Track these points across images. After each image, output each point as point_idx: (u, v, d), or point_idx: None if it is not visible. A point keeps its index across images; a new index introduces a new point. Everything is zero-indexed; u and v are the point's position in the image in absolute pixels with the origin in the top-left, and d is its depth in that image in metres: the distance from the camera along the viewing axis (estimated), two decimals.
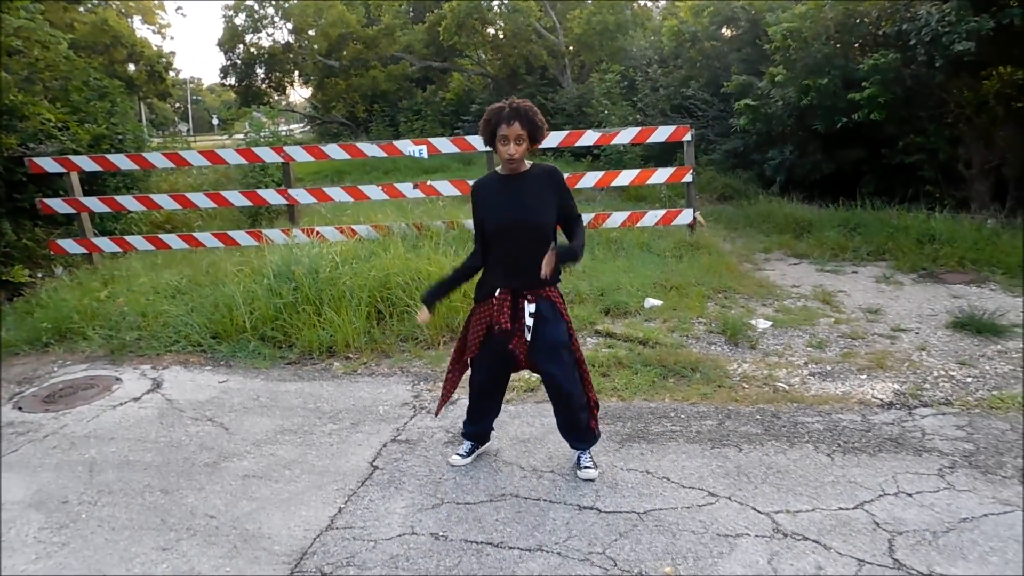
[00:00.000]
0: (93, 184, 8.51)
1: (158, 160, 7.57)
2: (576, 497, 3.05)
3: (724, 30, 13.39)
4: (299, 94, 32.31)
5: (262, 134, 11.20)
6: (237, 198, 7.57)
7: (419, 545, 2.77)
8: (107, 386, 4.61)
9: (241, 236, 7.25)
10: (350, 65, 25.04)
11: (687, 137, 7.20)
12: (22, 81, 8.41)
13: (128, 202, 7.47)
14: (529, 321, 2.96)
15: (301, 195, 7.54)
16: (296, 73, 29.00)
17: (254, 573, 2.67)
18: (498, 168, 3.07)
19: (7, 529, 3.02)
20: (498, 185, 3.00)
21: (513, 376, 4.31)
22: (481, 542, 2.77)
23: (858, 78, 8.34)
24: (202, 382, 4.62)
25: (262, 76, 28.94)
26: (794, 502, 2.93)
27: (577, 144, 7.35)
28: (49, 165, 7.15)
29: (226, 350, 5.05)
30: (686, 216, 7.26)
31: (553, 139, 7.08)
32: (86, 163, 7.27)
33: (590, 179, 7.29)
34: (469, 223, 6.96)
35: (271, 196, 7.69)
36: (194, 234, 7.43)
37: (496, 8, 19.93)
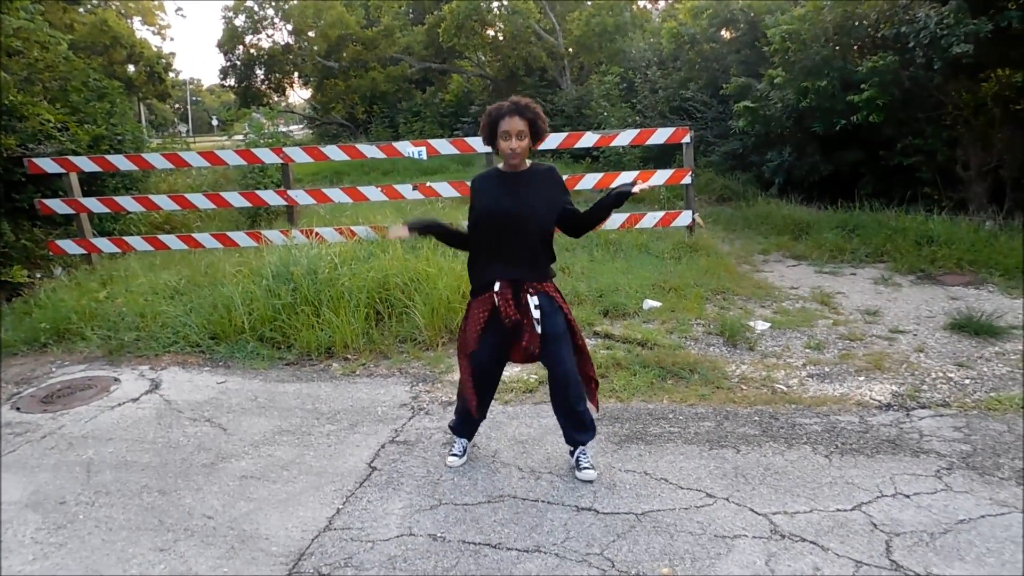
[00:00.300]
0: (92, 185, 8.51)
1: (157, 161, 7.57)
2: (574, 498, 3.05)
3: (723, 32, 13.42)
4: (298, 95, 32.36)
5: (261, 134, 11.21)
6: (236, 199, 7.57)
7: (417, 546, 2.77)
8: (105, 387, 4.60)
9: (240, 237, 7.25)
10: (349, 66, 25.05)
11: (686, 139, 7.21)
12: (21, 82, 8.41)
13: (127, 203, 7.47)
14: (536, 314, 2.97)
15: (300, 196, 7.54)
16: (295, 74, 29.01)
17: (252, 574, 2.67)
18: (499, 165, 3.07)
19: (4, 530, 3.02)
20: (499, 180, 3.02)
21: (511, 378, 4.33)
22: (479, 543, 2.77)
23: (856, 80, 8.35)
24: (200, 383, 4.61)
25: (261, 77, 28.96)
26: (792, 503, 2.94)
27: (576, 146, 7.36)
28: (48, 166, 7.15)
29: (224, 351, 5.05)
30: (685, 218, 7.27)
31: (552, 141, 7.08)
32: (85, 164, 7.28)
33: (589, 181, 7.29)
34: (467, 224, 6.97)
35: (270, 197, 7.69)
36: (193, 235, 7.43)
37: (495, 10, 19.96)
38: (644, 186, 3.05)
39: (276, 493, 3.22)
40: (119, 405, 4.31)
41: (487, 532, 2.84)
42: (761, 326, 5.16)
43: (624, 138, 7.46)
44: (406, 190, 7.32)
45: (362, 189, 7.42)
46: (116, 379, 4.73)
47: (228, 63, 28.33)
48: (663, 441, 3.53)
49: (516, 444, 3.57)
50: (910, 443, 3.41)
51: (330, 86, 26.35)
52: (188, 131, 48.65)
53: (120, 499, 3.23)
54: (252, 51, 28.04)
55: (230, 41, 27.52)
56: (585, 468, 3.19)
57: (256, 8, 27.38)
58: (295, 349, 5.00)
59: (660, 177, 7.29)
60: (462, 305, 5.13)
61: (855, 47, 9.13)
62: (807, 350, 4.72)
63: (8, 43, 7.66)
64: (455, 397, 4.08)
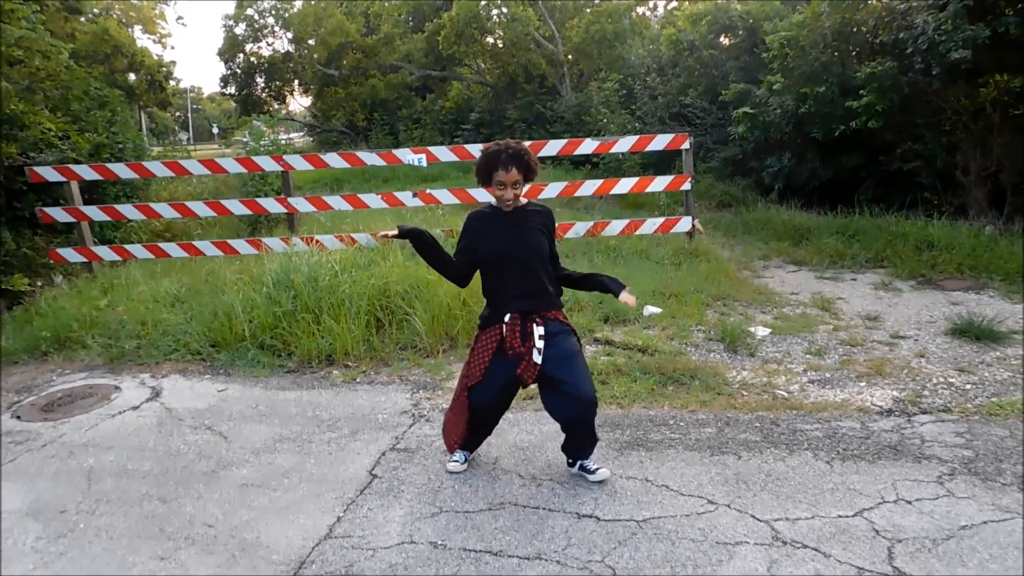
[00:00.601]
0: (93, 193, 8.53)
1: (158, 169, 7.58)
2: (575, 505, 3.05)
3: (722, 39, 13.48)
4: (299, 103, 32.43)
5: (262, 143, 11.24)
6: (236, 207, 7.58)
7: (418, 554, 2.76)
8: (106, 395, 4.60)
9: (240, 244, 7.26)
10: (349, 74, 25.13)
11: (685, 145, 7.22)
12: (23, 91, 8.44)
13: (128, 211, 7.49)
14: (539, 343, 3.01)
15: (300, 203, 7.55)
16: (296, 82, 29.07)
17: None
18: (493, 202, 3.14)
19: (5, 539, 3.01)
20: (496, 219, 3.10)
21: None
22: (480, 551, 2.76)
23: (855, 86, 8.38)
24: (201, 390, 4.61)
25: (262, 85, 29.02)
26: (793, 509, 2.93)
27: (576, 152, 7.37)
28: (49, 174, 7.17)
29: (225, 358, 5.05)
30: (685, 224, 7.27)
31: (552, 148, 7.10)
32: (86, 172, 7.29)
33: (589, 187, 7.30)
34: None
35: (270, 205, 7.70)
36: (193, 242, 7.44)
37: (495, 17, 20.02)
38: (630, 299, 3.10)
39: (277, 501, 3.22)
40: (120, 413, 4.31)
41: (488, 539, 2.83)
42: (762, 332, 5.16)
43: (624, 144, 7.47)
44: (406, 197, 7.33)
45: (362, 196, 7.43)
46: (117, 387, 4.73)
47: (228, 71, 28.40)
48: (664, 447, 3.53)
49: (517, 451, 3.57)
50: (912, 449, 3.41)
51: (330, 94, 26.42)
52: (189, 139, 48.76)
53: (121, 507, 3.23)
54: (252, 59, 28.11)
55: (231, 49, 27.60)
56: (598, 468, 3.23)
57: (256, 16, 27.46)
58: (296, 356, 5.00)
59: (660, 183, 7.30)
60: (463, 312, 5.14)
61: (854, 53, 9.17)
62: (808, 356, 4.72)
63: (10, 52, 7.70)
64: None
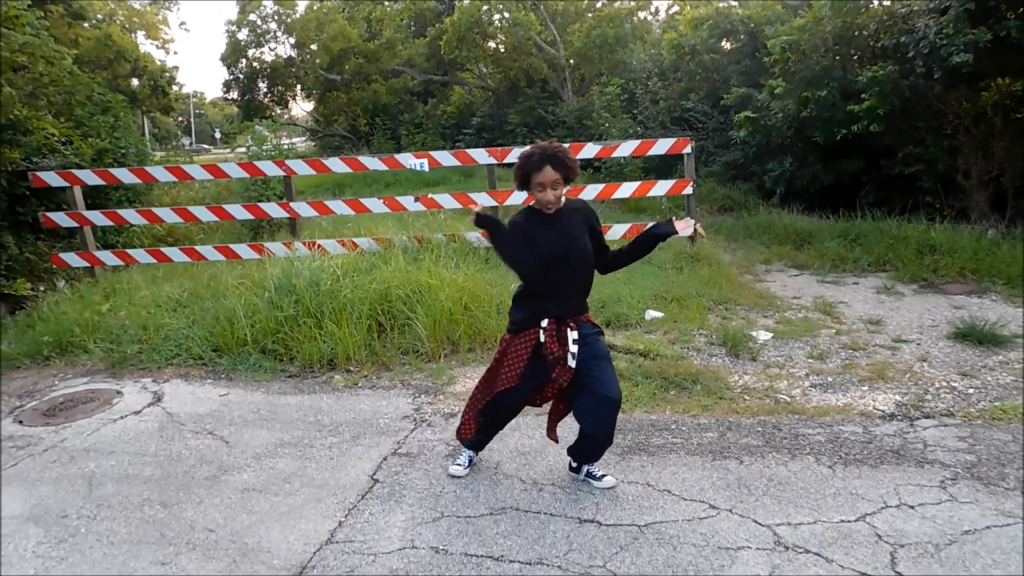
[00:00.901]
0: (96, 197, 8.56)
1: (160, 173, 7.60)
2: (576, 510, 3.04)
3: (723, 43, 13.48)
4: (301, 108, 32.55)
5: (264, 147, 11.26)
6: (239, 211, 7.60)
7: (419, 559, 2.75)
8: (108, 399, 4.61)
9: (243, 249, 7.27)
10: (351, 79, 25.21)
11: (687, 149, 7.23)
12: (27, 96, 8.47)
13: (130, 215, 7.51)
14: (573, 348, 3.00)
15: (302, 208, 7.56)
16: (298, 87, 29.19)
17: None
18: (531, 204, 3.05)
19: (7, 544, 3.01)
20: (539, 222, 2.99)
21: None
22: (481, 556, 2.75)
23: (857, 90, 8.37)
24: (203, 395, 4.61)
25: (264, 90, 29.14)
26: (795, 514, 2.92)
27: (578, 157, 7.31)
28: (52, 179, 7.19)
29: (227, 363, 5.05)
30: (686, 228, 7.26)
31: None
32: (89, 177, 7.31)
33: (591, 192, 7.30)
34: (470, 235, 6.99)
35: (273, 209, 7.72)
36: (196, 247, 7.45)
37: (497, 22, 20.07)
38: (683, 224, 3.13)
39: (278, 506, 3.21)
40: (121, 418, 4.31)
41: (489, 544, 2.82)
42: (763, 336, 5.16)
43: (625, 149, 7.48)
44: (408, 202, 7.34)
45: (364, 201, 7.44)
46: (118, 392, 4.74)
47: (231, 76, 28.53)
48: (666, 452, 3.52)
49: (518, 456, 3.56)
50: (914, 453, 3.40)
51: (332, 98, 26.51)
52: (191, 143, 48.89)
53: (122, 512, 3.23)
54: (255, 64, 28.23)
55: (233, 54, 27.72)
56: (604, 476, 3.23)
57: (259, 22, 27.59)
58: (297, 361, 5.00)
59: (661, 188, 7.31)
60: (464, 317, 5.14)
61: (855, 57, 9.17)
62: (810, 360, 4.71)
63: (14, 58, 7.73)
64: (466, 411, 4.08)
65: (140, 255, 7.39)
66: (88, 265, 7.33)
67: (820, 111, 8.88)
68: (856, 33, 8.96)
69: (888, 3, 8.96)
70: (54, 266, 7.43)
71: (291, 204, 7.51)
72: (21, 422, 4.33)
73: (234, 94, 29.01)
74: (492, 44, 21.21)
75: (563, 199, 3.01)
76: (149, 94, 26.89)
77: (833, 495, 3.05)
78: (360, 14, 26.08)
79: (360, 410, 4.25)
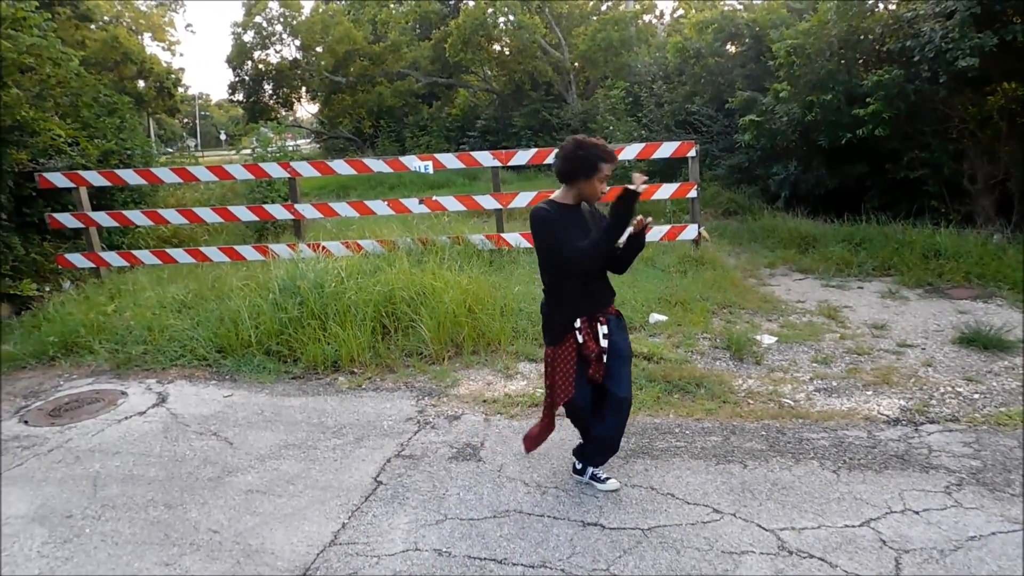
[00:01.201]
0: (101, 199, 8.60)
1: (166, 175, 7.63)
2: (580, 513, 3.04)
3: (728, 46, 13.47)
4: (306, 110, 32.63)
5: (269, 149, 11.29)
6: (244, 213, 7.62)
7: (422, 561, 2.76)
8: (112, 400, 4.62)
9: (247, 251, 7.29)
10: (356, 81, 25.24)
11: (691, 153, 7.23)
12: (33, 97, 8.51)
13: (136, 216, 7.54)
14: (604, 343, 3.02)
15: (307, 210, 7.58)
16: (303, 89, 29.24)
17: None
18: (554, 198, 3.02)
19: (11, 544, 3.02)
20: (566, 215, 2.96)
21: (517, 392, 4.34)
22: (484, 558, 2.75)
23: (862, 94, 8.36)
24: (207, 396, 4.63)
25: (270, 92, 29.20)
26: (799, 519, 2.91)
27: None
28: (58, 180, 7.23)
29: (231, 364, 5.06)
30: (691, 231, 7.27)
31: None
32: (95, 178, 7.35)
33: None
34: (474, 238, 7.00)
35: (277, 211, 7.74)
36: (201, 248, 7.47)
37: (501, 25, 20.08)
38: (636, 177, 2.91)
39: (282, 507, 3.22)
40: (126, 419, 4.32)
41: (493, 547, 2.82)
42: (768, 340, 5.15)
43: (630, 152, 7.48)
44: (412, 204, 7.35)
45: (369, 203, 7.46)
46: (123, 392, 4.75)
47: (237, 78, 28.60)
48: (669, 456, 3.52)
49: (522, 458, 3.56)
50: (919, 458, 3.39)
51: (337, 101, 26.54)
52: (196, 145, 49.06)
53: (126, 513, 3.24)
54: (260, 66, 28.29)
55: (239, 57, 27.79)
56: (608, 479, 3.24)
57: (265, 24, 27.65)
58: (301, 363, 5.01)
59: (666, 191, 7.30)
60: (468, 319, 5.14)
61: (860, 61, 9.16)
62: (814, 364, 4.70)
63: (21, 60, 7.76)
64: (466, 412, 4.10)
65: (145, 256, 7.42)
66: (93, 266, 7.36)
67: (825, 115, 8.86)
68: (861, 37, 8.95)
69: (893, 7, 8.93)
70: (60, 267, 7.47)
71: (296, 206, 7.53)
72: (26, 422, 4.35)
73: (239, 96, 29.09)
74: (497, 47, 21.22)
75: None
76: (155, 96, 27.02)
77: (837, 500, 3.05)
78: (365, 16, 26.14)
79: (364, 412, 4.26)
